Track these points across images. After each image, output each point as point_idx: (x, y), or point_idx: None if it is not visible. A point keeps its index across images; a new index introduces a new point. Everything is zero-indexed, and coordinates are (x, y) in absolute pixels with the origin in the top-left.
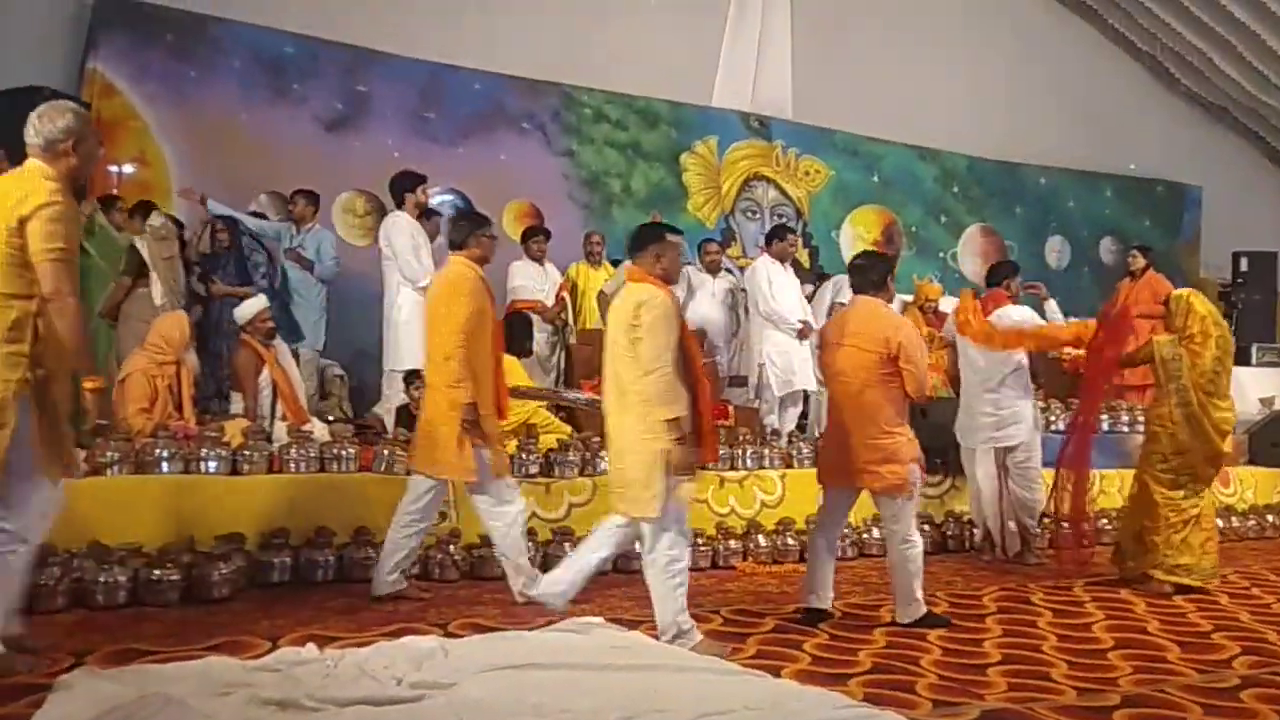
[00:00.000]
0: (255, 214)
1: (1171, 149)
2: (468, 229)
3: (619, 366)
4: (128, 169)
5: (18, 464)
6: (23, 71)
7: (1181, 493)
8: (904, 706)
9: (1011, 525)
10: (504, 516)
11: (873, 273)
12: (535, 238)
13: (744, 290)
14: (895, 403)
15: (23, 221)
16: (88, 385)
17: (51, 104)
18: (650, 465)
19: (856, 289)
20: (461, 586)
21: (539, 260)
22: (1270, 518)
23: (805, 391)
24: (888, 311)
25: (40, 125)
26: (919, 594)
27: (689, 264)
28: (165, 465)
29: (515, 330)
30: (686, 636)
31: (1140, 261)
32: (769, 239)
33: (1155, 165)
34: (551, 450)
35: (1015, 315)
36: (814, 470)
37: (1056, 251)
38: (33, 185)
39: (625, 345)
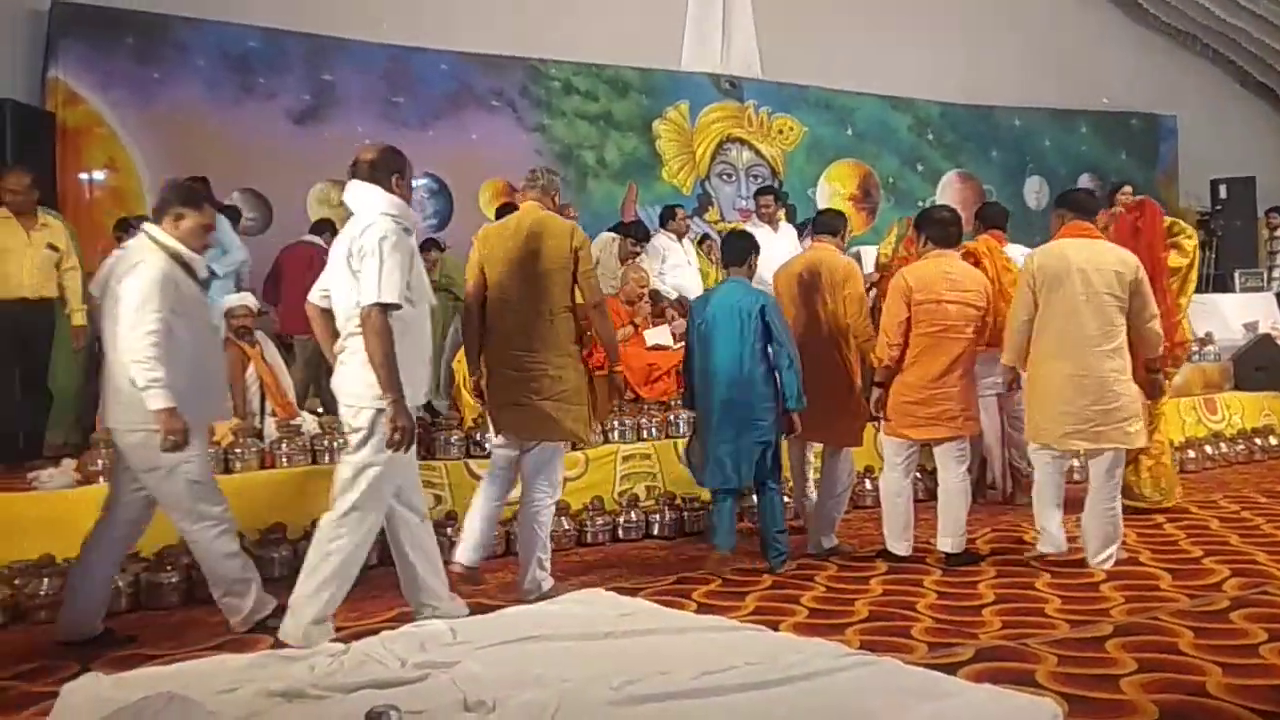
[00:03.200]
0: (230, 208)
1: (1143, 80)
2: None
3: (1111, 314)
4: (98, 176)
5: None
6: None
7: None
8: (901, 651)
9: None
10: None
11: (955, 227)
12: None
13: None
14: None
15: (575, 250)
16: (619, 369)
17: (541, 167)
18: (1138, 399)
19: (941, 243)
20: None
21: None
22: (1258, 441)
23: None
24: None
25: (535, 180)
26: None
27: (657, 231)
28: None
29: None
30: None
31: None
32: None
33: (1128, 98)
34: None
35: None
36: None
37: (1036, 192)
38: (559, 222)
39: (1117, 296)
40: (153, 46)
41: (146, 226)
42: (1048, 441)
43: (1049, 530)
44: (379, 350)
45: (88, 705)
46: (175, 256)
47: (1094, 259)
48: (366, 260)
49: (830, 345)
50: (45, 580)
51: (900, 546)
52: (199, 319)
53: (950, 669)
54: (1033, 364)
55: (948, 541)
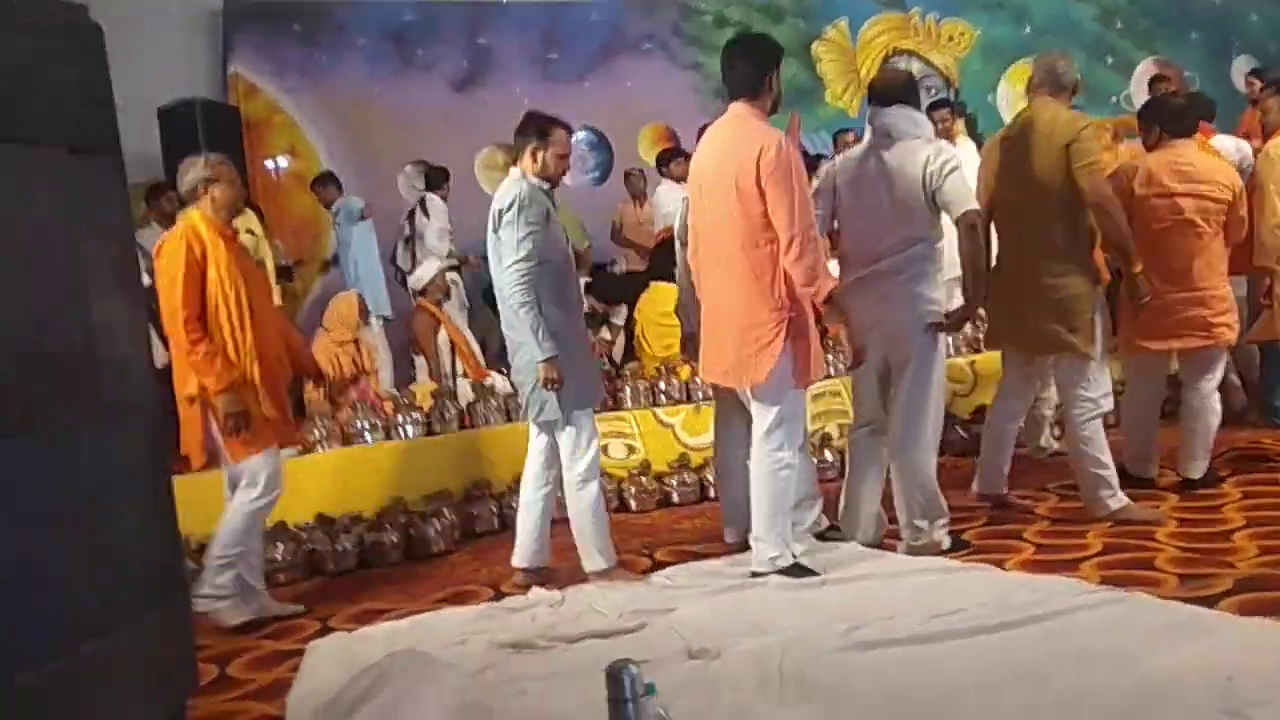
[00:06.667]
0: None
1: None
2: None
3: None
4: (282, 163)
5: None
6: (170, 88)
7: None
8: (1148, 585)
9: (1234, 378)
10: None
11: (1190, 112)
12: (675, 159)
13: None
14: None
15: (1068, 145)
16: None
17: (1060, 52)
18: None
19: (1176, 134)
20: (660, 515)
21: (682, 181)
22: None
23: None
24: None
25: (1054, 67)
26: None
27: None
28: (368, 436)
29: (672, 256)
30: None
31: (1258, 86)
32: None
33: None
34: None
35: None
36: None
37: (1245, 73)
38: (1065, 115)
39: None
40: (318, 31)
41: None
42: None
43: None
44: (979, 253)
45: (334, 660)
46: None
47: None
48: (950, 178)
49: None
50: (279, 545)
51: (1142, 468)
52: None
53: (1209, 602)
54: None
55: (1192, 466)
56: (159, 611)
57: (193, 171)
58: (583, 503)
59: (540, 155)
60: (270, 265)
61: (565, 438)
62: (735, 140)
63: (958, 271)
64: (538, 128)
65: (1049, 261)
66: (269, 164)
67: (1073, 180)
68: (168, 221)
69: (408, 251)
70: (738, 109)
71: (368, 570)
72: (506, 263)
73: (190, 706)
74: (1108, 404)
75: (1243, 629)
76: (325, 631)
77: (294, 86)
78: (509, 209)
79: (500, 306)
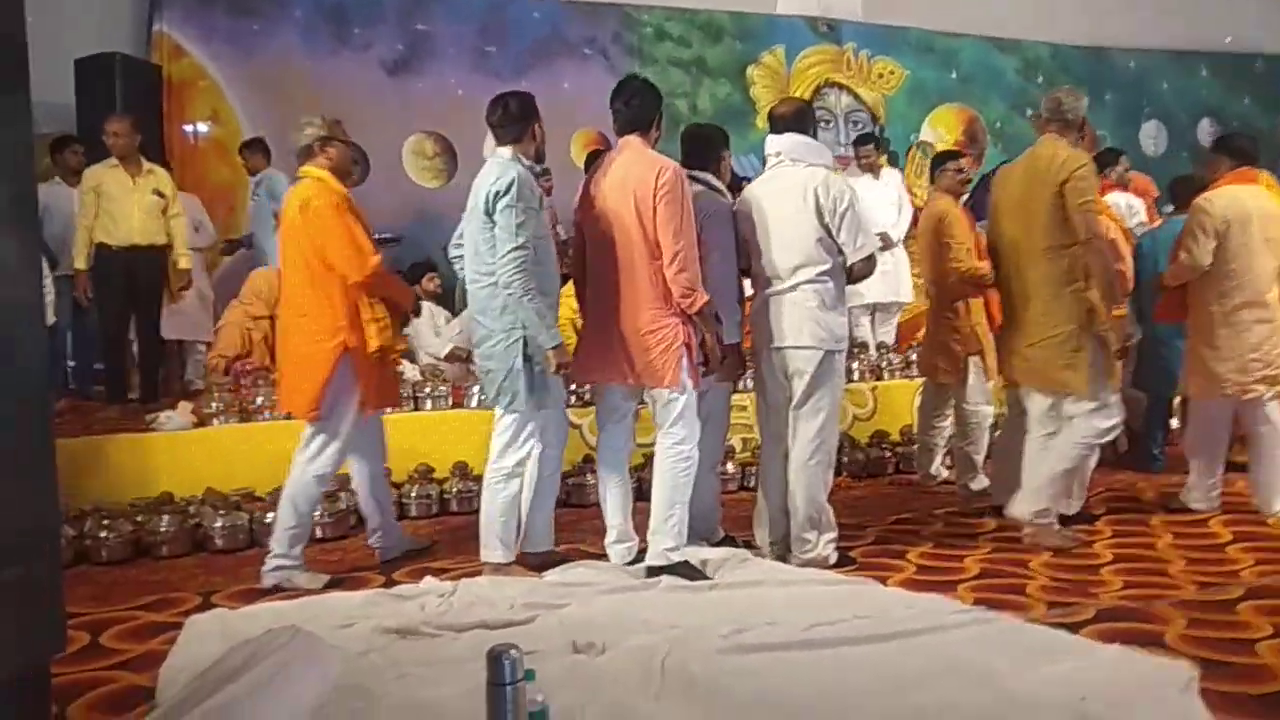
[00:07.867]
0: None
1: (1270, 19)
2: None
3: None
4: (202, 128)
5: None
6: (93, 39)
7: None
8: (1017, 609)
9: None
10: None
11: None
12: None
13: None
14: None
15: (1060, 183)
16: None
17: (1068, 89)
18: None
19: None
20: (563, 514)
21: None
22: None
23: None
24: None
25: (1060, 103)
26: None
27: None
28: (268, 413)
29: None
30: None
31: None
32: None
33: (1252, 38)
34: None
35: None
36: (907, 382)
37: (1153, 137)
38: (1065, 153)
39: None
40: None
41: None
42: (1237, 391)
43: (1208, 485)
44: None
45: (214, 635)
46: None
47: (1263, 205)
48: (846, 220)
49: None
50: (165, 518)
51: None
52: None
53: (1072, 629)
54: (1219, 313)
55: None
56: (21, 567)
57: (310, 129)
58: (502, 495)
59: (539, 133)
60: (181, 230)
61: (509, 426)
62: (632, 166)
63: (865, 300)
64: (531, 106)
65: (1043, 297)
66: (188, 129)
67: (1066, 217)
68: (73, 177)
69: None
70: (634, 141)
71: (258, 549)
72: (504, 249)
73: (56, 673)
74: (1108, 436)
75: (1099, 654)
76: (207, 606)
77: (222, 53)
78: (507, 192)
79: (474, 290)
